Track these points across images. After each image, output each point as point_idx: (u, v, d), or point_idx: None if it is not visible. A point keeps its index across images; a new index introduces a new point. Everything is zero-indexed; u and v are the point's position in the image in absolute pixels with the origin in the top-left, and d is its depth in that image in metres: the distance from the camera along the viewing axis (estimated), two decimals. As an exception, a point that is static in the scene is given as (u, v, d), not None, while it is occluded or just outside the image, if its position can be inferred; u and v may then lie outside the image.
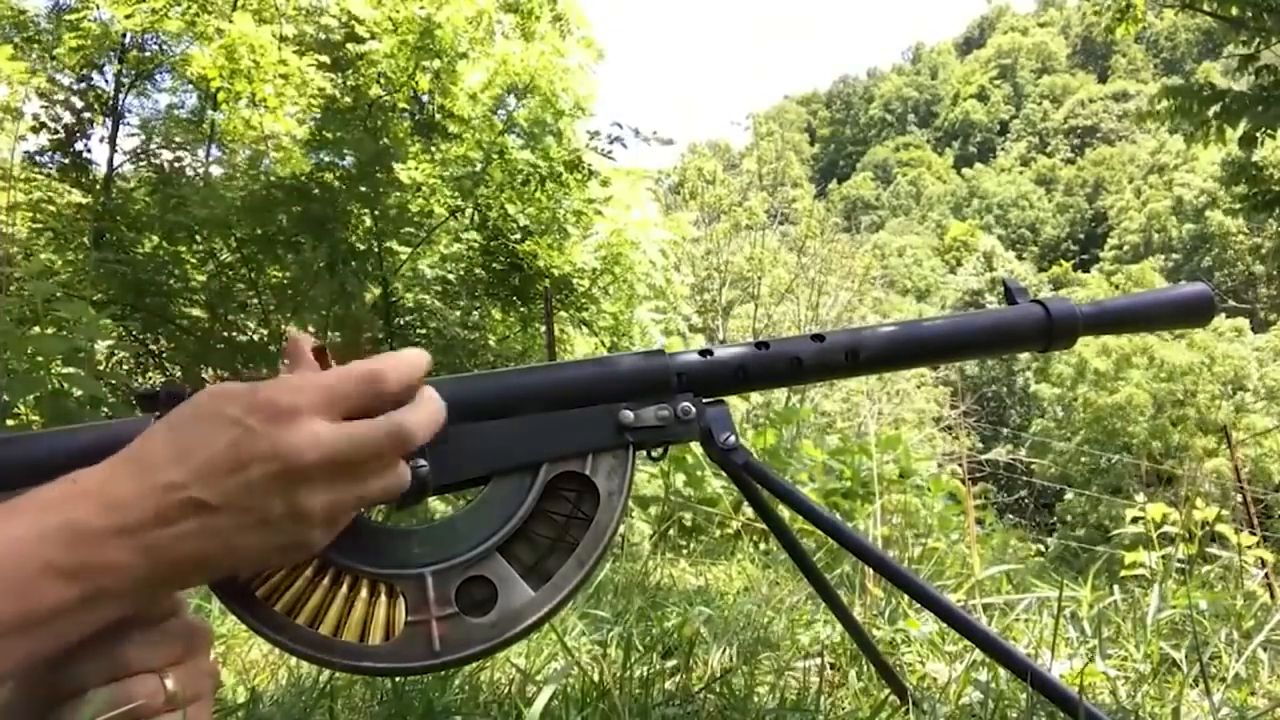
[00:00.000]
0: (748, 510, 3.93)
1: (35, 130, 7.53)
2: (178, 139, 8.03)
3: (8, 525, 0.52)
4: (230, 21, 6.80)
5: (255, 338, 7.30)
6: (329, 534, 0.61)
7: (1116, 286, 42.84)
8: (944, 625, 1.22)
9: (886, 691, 0.99)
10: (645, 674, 1.09)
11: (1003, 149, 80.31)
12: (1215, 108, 7.94)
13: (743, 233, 18.92)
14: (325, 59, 7.13)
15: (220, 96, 7.33)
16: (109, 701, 0.57)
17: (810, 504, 0.76)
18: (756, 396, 9.42)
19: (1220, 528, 3.43)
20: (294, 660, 1.15)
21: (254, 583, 0.65)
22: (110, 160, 8.15)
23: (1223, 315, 33.61)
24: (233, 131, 7.94)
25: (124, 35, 7.75)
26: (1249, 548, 3.59)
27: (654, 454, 0.75)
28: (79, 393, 3.24)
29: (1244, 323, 34.04)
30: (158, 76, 8.38)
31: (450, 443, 0.69)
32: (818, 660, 1.25)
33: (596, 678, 1.01)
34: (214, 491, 0.56)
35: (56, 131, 7.66)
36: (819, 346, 0.79)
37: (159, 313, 7.25)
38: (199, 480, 0.56)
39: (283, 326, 6.99)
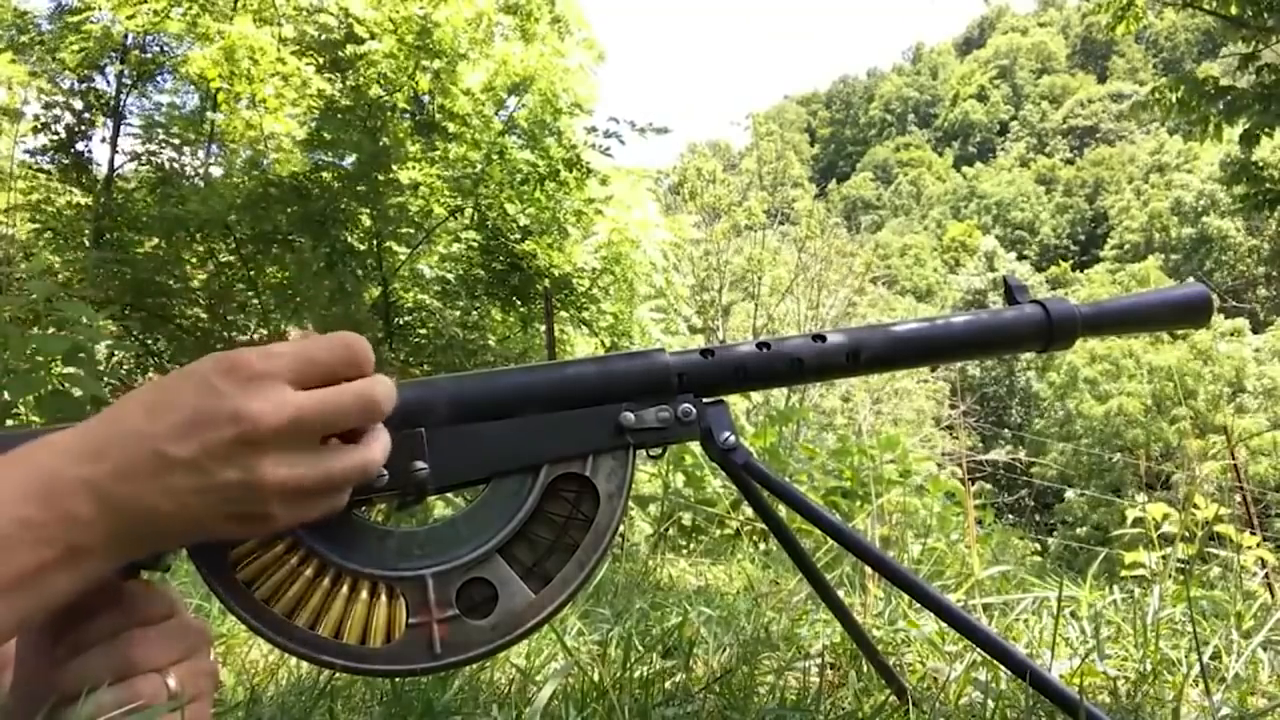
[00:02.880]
0: (747, 510, 3.93)
1: (36, 131, 7.54)
2: (178, 140, 8.04)
3: None
4: (230, 23, 6.80)
5: (255, 337, 7.30)
6: (292, 511, 0.59)
7: (1119, 285, 42.86)
8: (944, 625, 1.23)
9: (886, 691, 0.99)
10: (645, 674, 1.09)
11: (1002, 149, 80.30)
12: (1217, 105, 7.93)
13: (743, 233, 18.91)
14: (325, 59, 7.13)
15: (220, 97, 7.34)
16: (110, 701, 0.57)
17: (810, 504, 0.76)
18: (756, 396, 9.43)
19: (1220, 528, 3.43)
20: (294, 660, 1.15)
21: (255, 585, 0.65)
22: (111, 161, 8.16)
23: (1222, 316, 33.61)
24: (233, 132, 7.94)
25: (125, 36, 7.76)
26: (1249, 548, 3.59)
27: (653, 453, 0.75)
28: (79, 393, 3.24)
29: (1244, 323, 34.04)
30: (159, 77, 8.38)
31: (450, 443, 0.69)
32: (818, 660, 1.25)
33: (596, 678, 1.02)
34: (176, 448, 0.55)
35: (57, 133, 7.67)
36: (820, 346, 0.79)
37: (159, 313, 7.26)
38: (164, 435, 0.55)
39: (283, 326, 6.99)
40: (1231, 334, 31.96)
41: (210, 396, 0.56)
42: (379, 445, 0.62)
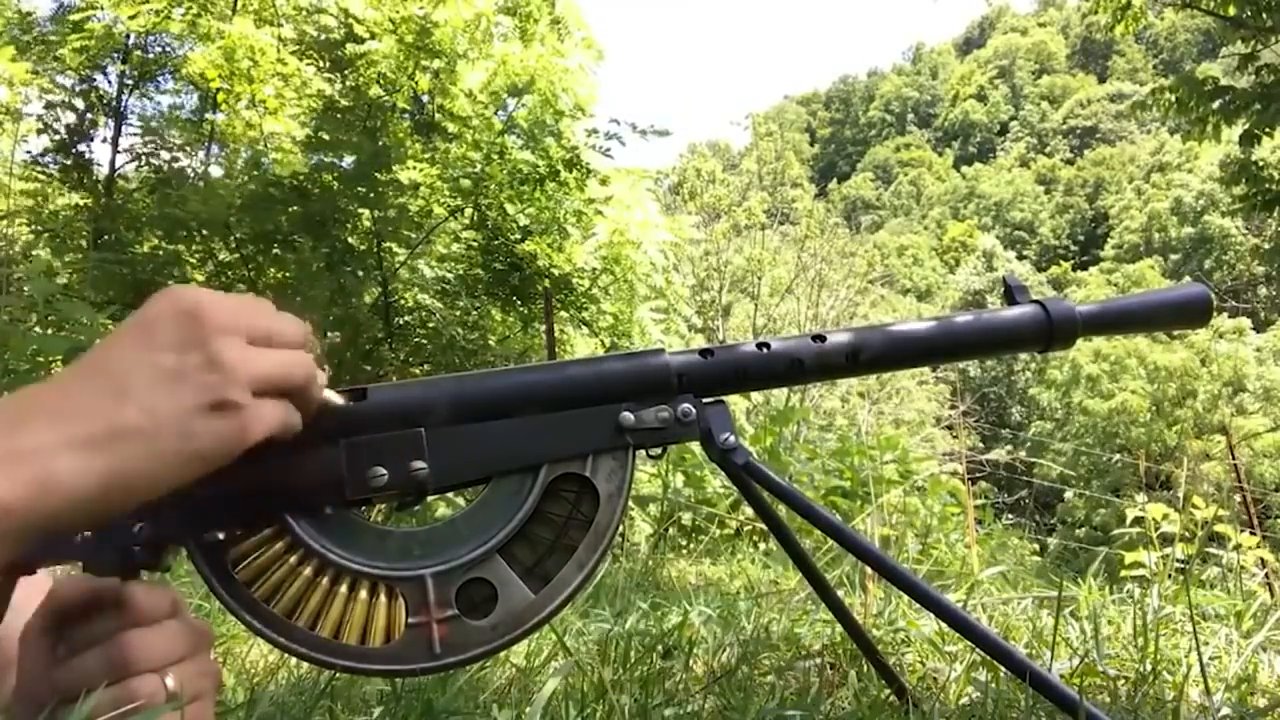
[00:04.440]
0: (748, 510, 3.93)
1: (40, 132, 7.54)
2: (178, 140, 8.04)
3: None
4: (231, 23, 6.80)
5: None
6: (261, 405, 0.57)
7: (1116, 286, 42.85)
8: (944, 625, 1.23)
9: (886, 691, 0.99)
10: (645, 674, 1.09)
11: (1002, 149, 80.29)
12: (1216, 103, 7.93)
13: (743, 233, 18.91)
14: (324, 60, 7.13)
15: (220, 97, 7.34)
16: (110, 701, 0.57)
17: (810, 504, 0.76)
18: (756, 396, 9.43)
19: (1220, 528, 3.44)
20: (294, 661, 1.15)
21: (254, 585, 0.65)
22: (112, 161, 8.16)
23: (1223, 315, 33.60)
24: (233, 132, 7.94)
25: (127, 36, 7.76)
26: (1249, 548, 3.59)
27: (653, 453, 0.75)
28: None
29: (1245, 323, 34.03)
30: (160, 78, 8.38)
31: (450, 443, 0.69)
32: (818, 660, 1.25)
33: (596, 678, 1.02)
34: (120, 352, 0.55)
35: (58, 133, 7.67)
36: (819, 347, 0.79)
37: (159, 313, 7.25)
38: (108, 346, 0.55)
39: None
40: (1233, 333, 31.95)
41: (154, 305, 0.57)
42: (314, 363, 0.63)
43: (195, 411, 0.54)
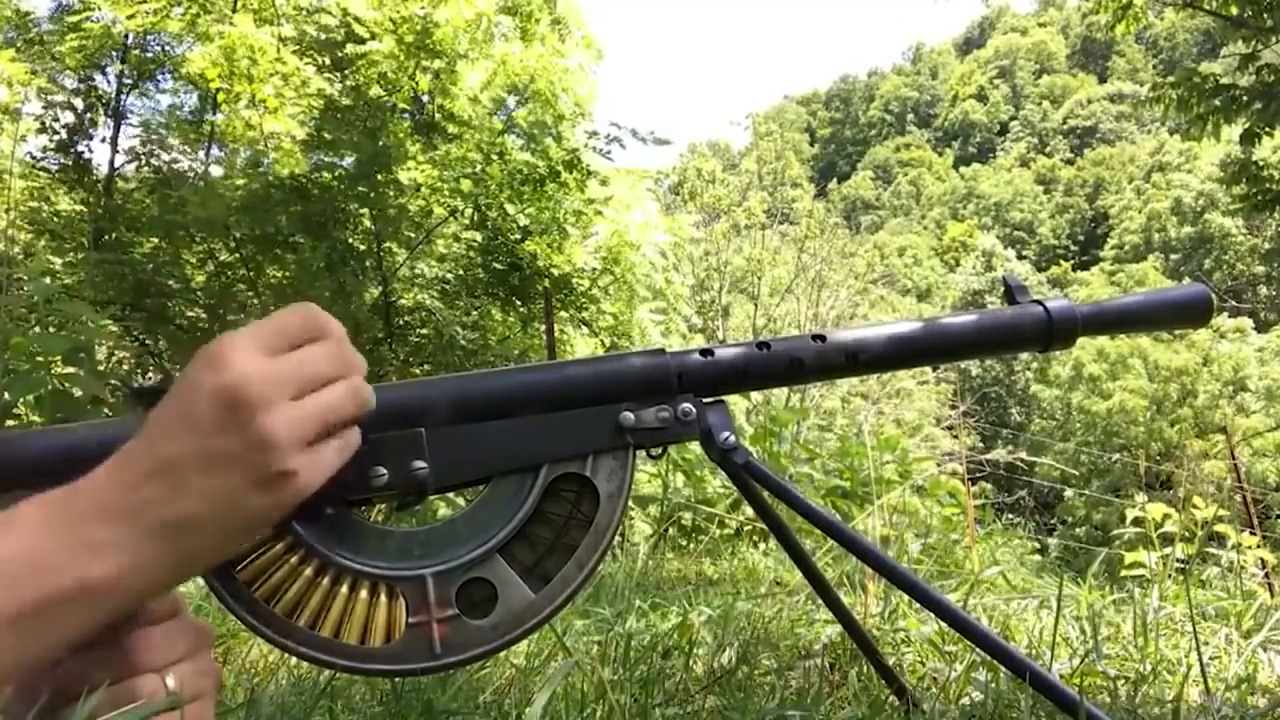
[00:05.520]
0: (748, 510, 3.93)
1: (39, 132, 7.54)
2: (178, 140, 8.04)
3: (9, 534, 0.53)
4: (231, 24, 6.80)
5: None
6: (310, 457, 0.59)
7: (1119, 285, 42.84)
8: (944, 625, 1.23)
9: (886, 691, 0.99)
10: (645, 674, 1.09)
11: (1002, 149, 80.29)
12: (1216, 101, 7.93)
13: (743, 233, 18.90)
14: (325, 59, 7.13)
15: (220, 97, 7.34)
16: (111, 701, 0.57)
17: (809, 504, 0.76)
18: (756, 396, 9.42)
19: (1220, 528, 3.43)
20: (294, 660, 1.15)
21: (255, 585, 0.65)
22: (111, 161, 8.16)
23: (1225, 315, 33.59)
24: (233, 132, 7.94)
25: (126, 36, 7.75)
26: (1249, 548, 3.59)
27: (653, 453, 0.75)
28: (79, 393, 3.24)
29: (1247, 323, 34.01)
30: (159, 77, 8.37)
31: (450, 443, 0.69)
32: (818, 660, 1.25)
33: (596, 678, 1.02)
34: (171, 444, 0.56)
35: (57, 133, 7.67)
36: (820, 347, 0.79)
37: (159, 313, 7.26)
38: (158, 439, 0.57)
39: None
40: (1235, 333, 31.94)
41: (190, 384, 0.58)
42: (358, 377, 0.63)
43: (251, 489, 0.57)
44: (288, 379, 0.59)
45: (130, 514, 0.55)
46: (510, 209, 7.46)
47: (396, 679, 1.02)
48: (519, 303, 7.97)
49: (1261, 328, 35.96)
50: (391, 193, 6.96)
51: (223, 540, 0.58)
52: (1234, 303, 38.78)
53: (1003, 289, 0.87)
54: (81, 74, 7.87)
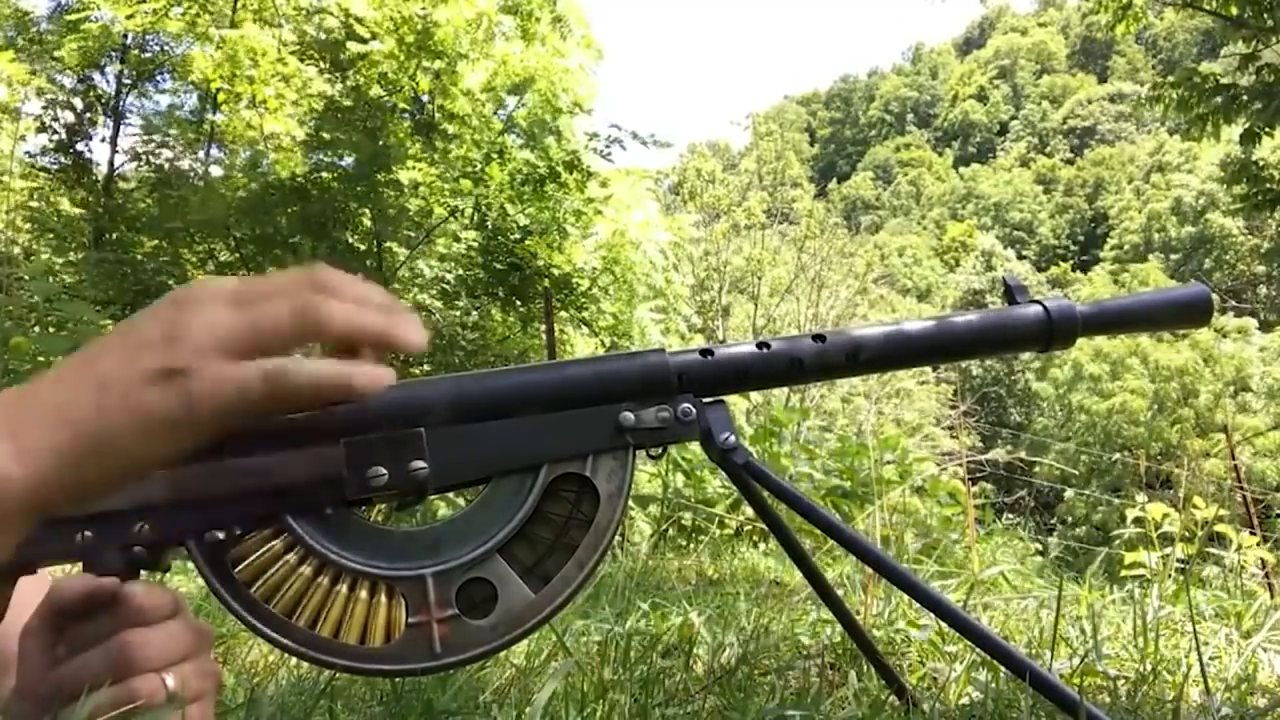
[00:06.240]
0: (748, 510, 3.93)
1: (39, 131, 7.54)
2: (177, 140, 8.04)
3: None
4: (231, 25, 6.80)
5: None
6: (218, 365, 0.53)
7: (1121, 285, 42.86)
8: (944, 625, 1.23)
9: (886, 691, 0.99)
10: (645, 674, 1.09)
11: (1002, 149, 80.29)
12: (1216, 101, 7.93)
13: (743, 233, 18.91)
14: (325, 60, 7.14)
15: (220, 98, 7.35)
16: (111, 701, 0.57)
17: (809, 504, 0.76)
18: (756, 396, 9.42)
19: (1220, 527, 3.43)
20: (294, 661, 1.15)
21: (255, 585, 0.65)
22: (111, 161, 8.16)
23: (1229, 315, 33.60)
24: (233, 132, 7.94)
25: (125, 36, 7.75)
26: (1249, 548, 3.59)
27: (653, 453, 0.75)
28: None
29: (1251, 323, 34.02)
30: (158, 77, 8.37)
31: (450, 443, 0.69)
32: (818, 660, 1.25)
33: (596, 678, 1.02)
34: (106, 338, 0.55)
35: (57, 132, 7.67)
36: (820, 346, 0.79)
37: (159, 313, 7.25)
38: (101, 338, 0.56)
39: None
40: (1238, 333, 31.95)
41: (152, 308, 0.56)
42: (314, 298, 0.58)
43: (142, 379, 0.52)
44: (237, 295, 0.55)
45: (46, 401, 0.52)
46: (510, 209, 7.46)
47: (396, 679, 1.02)
48: (519, 303, 7.97)
49: (1265, 328, 35.95)
50: (391, 193, 6.96)
51: (111, 430, 0.52)
52: (1234, 303, 38.79)
53: (1002, 289, 0.87)
54: (81, 74, 7.87)
